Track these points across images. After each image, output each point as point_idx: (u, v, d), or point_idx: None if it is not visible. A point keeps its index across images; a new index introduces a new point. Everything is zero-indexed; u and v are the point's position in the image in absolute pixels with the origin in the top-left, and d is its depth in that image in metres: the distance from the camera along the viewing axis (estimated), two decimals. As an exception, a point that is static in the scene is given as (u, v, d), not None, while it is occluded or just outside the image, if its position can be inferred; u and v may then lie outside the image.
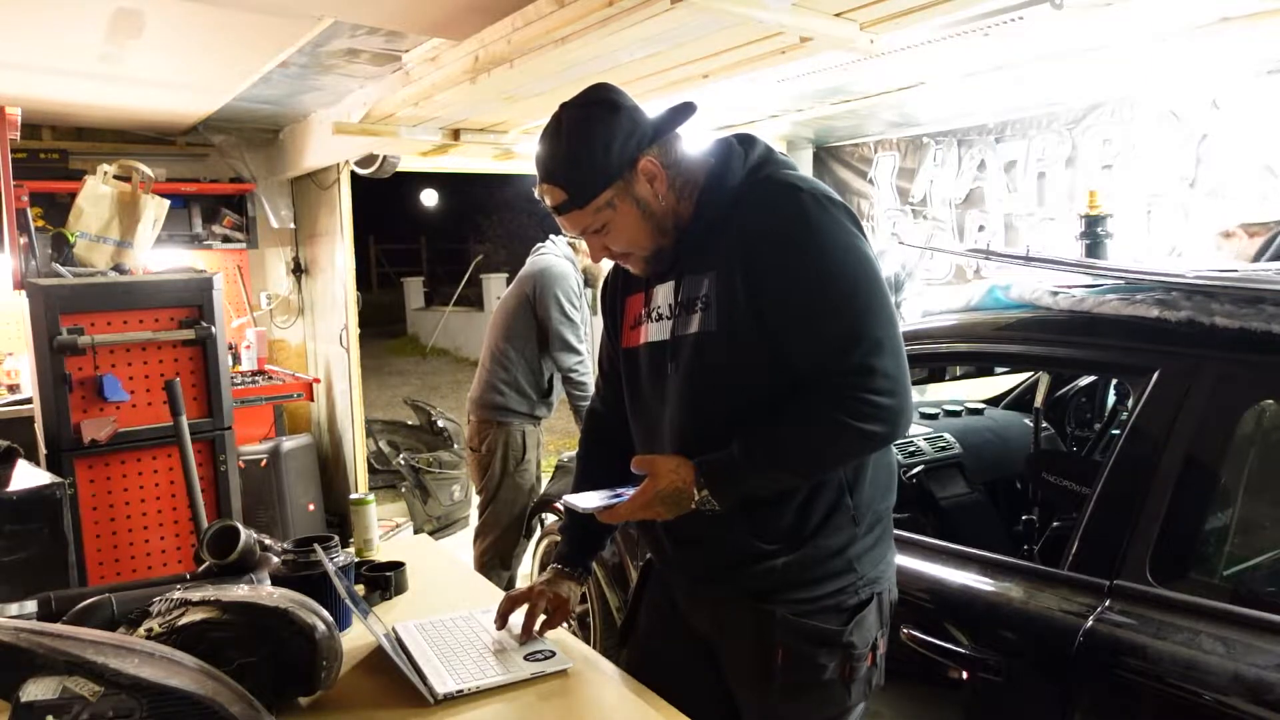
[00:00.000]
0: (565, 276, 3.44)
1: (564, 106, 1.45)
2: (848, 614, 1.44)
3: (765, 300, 1.39)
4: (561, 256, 3.53)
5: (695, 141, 1.51)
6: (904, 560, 1.96)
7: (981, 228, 4.25)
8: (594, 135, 1.41)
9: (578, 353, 3.40)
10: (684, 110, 1.47)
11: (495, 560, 3.58)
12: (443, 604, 1.75)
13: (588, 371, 3.41)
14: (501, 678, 1.44)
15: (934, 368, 3.12)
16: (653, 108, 1.53)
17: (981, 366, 3.23)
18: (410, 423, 6.26)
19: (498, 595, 1.85)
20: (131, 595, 1.47)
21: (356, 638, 1.61)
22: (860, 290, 1.36)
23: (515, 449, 3.50)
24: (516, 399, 3.48)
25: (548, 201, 1.46)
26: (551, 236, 3.61)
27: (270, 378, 4.83)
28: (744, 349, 1.41)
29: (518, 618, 1.62)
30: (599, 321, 3.24)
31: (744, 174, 1.46)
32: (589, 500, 1.51)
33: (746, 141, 1.51)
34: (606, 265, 3.70)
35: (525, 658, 1.50)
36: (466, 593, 1.87)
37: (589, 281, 3.58)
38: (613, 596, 2.85)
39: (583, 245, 3.51)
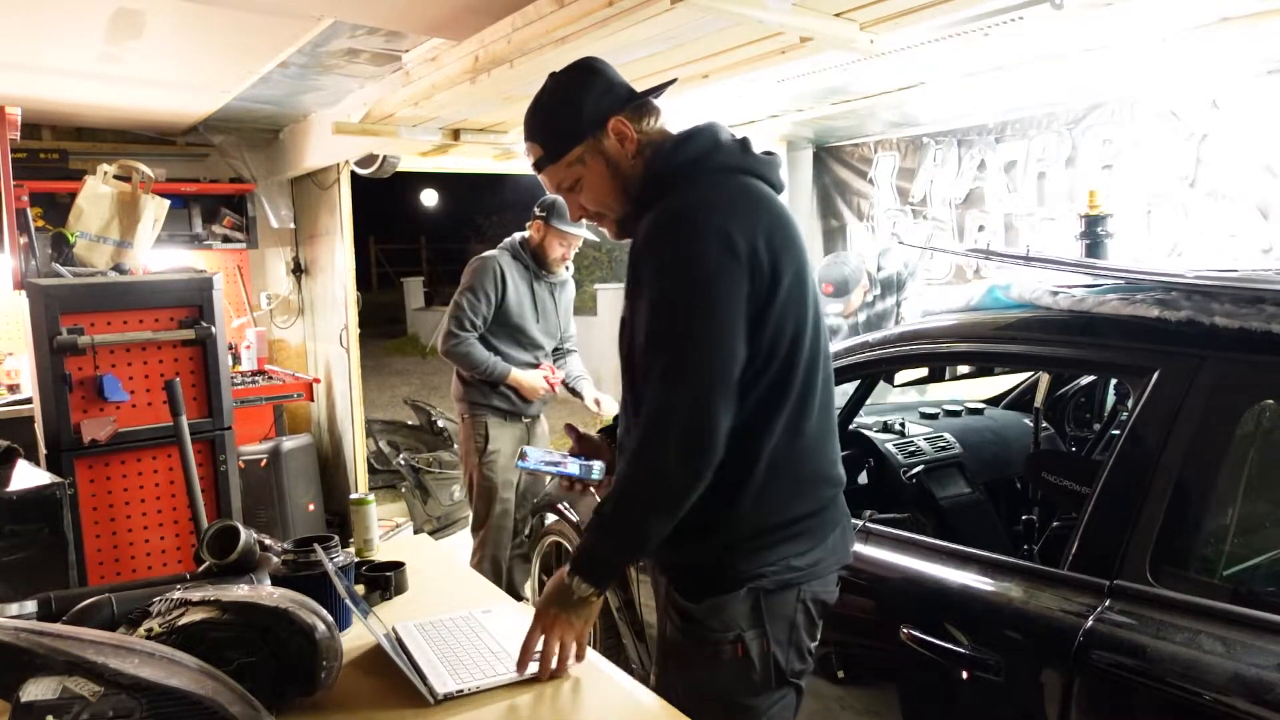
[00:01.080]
0: (481, 270, 3.49)
1: (550, 74, 1.57)
2: (701, 595, 1.50)
3: (631, 309, 1.48)
4: (505, 248, 3.59)
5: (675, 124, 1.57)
6: (904, 560, 1.97)
7: (981, 228, 4.25)
8: (569, 94, 1.53)
9: (452, 335, 3.47)
10: (663, 85, 1.60)
11: (487, 559, 3.61)
12: (443, 604, 1.75)
13: (463, 352, 3.46)
14: (501, 678, 1.44)
15: (934, 368, 3.12)
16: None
17: (981, 366, 3.23)
18: (410, 423, 6.26)
19: (498, 595, 1.86)
20: (131, 595, 1.46)
21: (356, 638, 1.61)
22: (686, 329, 1.39)
23: (479, 439, 3.56)
24: (473, 391, 3.56)
25: (529, 159, 1.58)
26: None
27: (270, 378, 4.83)
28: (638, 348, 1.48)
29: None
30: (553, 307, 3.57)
31: (669, 172, 1.50)
32: (543, 459, 1.68)
33: (690, 137, 1.52)
34: (561, 250, 3.74)
35: None
36: (466, 593, 1.87)
37: (547, 265, 3.57)
38: (612, 596, 2.84)
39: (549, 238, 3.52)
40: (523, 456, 1.69)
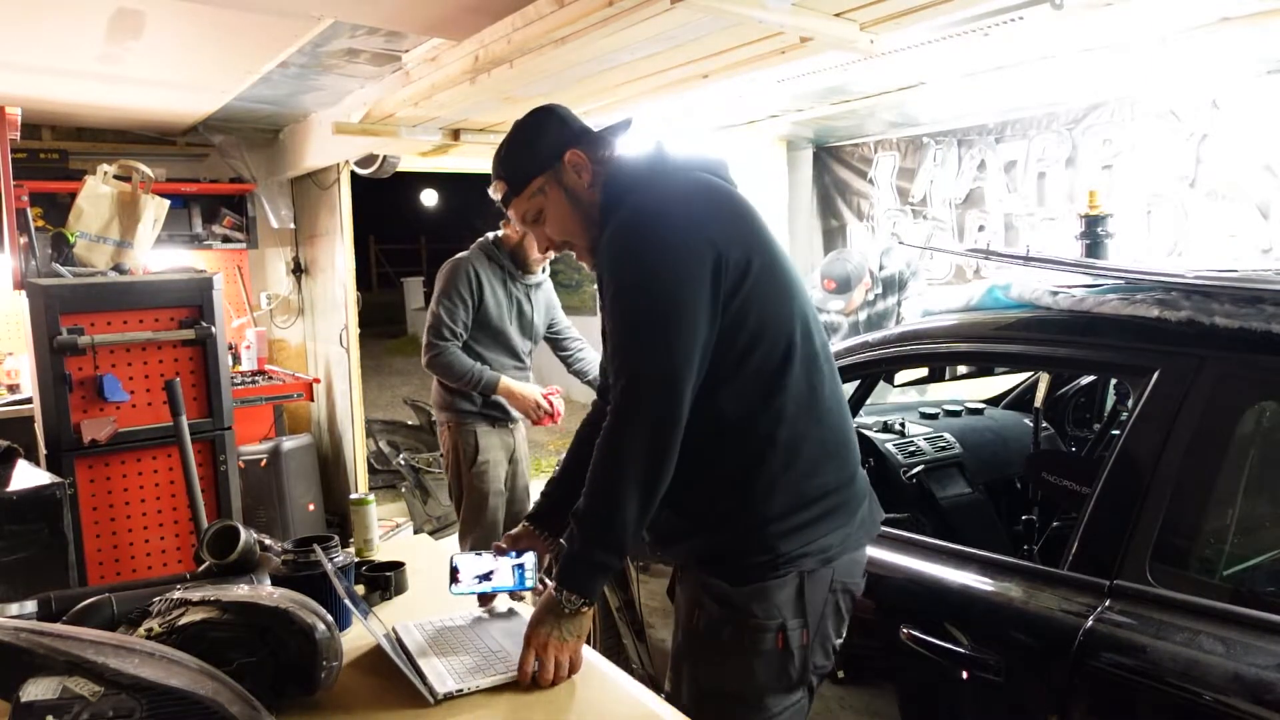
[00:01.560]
0: (455, 274, 3.32)
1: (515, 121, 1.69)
2: (746, 579, 1.50)
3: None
4: (479, 249, 3.41)
5: (634, 148, 1.66)
6: (904, 560, 1.97)
7: (981, 228, 4.25)
8: (527, 132, 1.65)
9: (431, 345, 3.27)
10: (621, 123, 1.68)
11: None
12: (442, 604, 1.75)
13: (445, 363, 3.27)
14: (501, 676, 1.44)
15: (934, 368, 3.12)
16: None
17: (981, 366, 3.23)
18: (410, 423, 6.27)
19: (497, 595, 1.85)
20: (131, 595, 1.47)
21: (356, 638, 1.60)
22: (642, 316, 1.44)
23: (467, 449, 3.38)
24: (462, 400, 3.37)
25: (497, 197, 1.69)
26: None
27: (270, 378, 4.84)
28: None
29: (504, 632, 1.63)
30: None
31: (620, 184, 1.58)
32: (475, 573, 1.65)
33: (637, 152, 1.62)
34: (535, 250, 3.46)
35: None
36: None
37: (526, 266, 3.41)
38: (612, 596, 2.84)
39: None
40: (454, 578, 1.65)
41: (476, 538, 3.47)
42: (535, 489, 3.60)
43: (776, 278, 1.53)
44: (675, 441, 1.43)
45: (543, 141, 1.63)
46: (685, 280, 1.43)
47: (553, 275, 3.64)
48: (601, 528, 1.45)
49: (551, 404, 3.39)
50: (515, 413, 3.46)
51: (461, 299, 3.30)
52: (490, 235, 3.47)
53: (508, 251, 3.41)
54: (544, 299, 3.58)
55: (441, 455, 3.54)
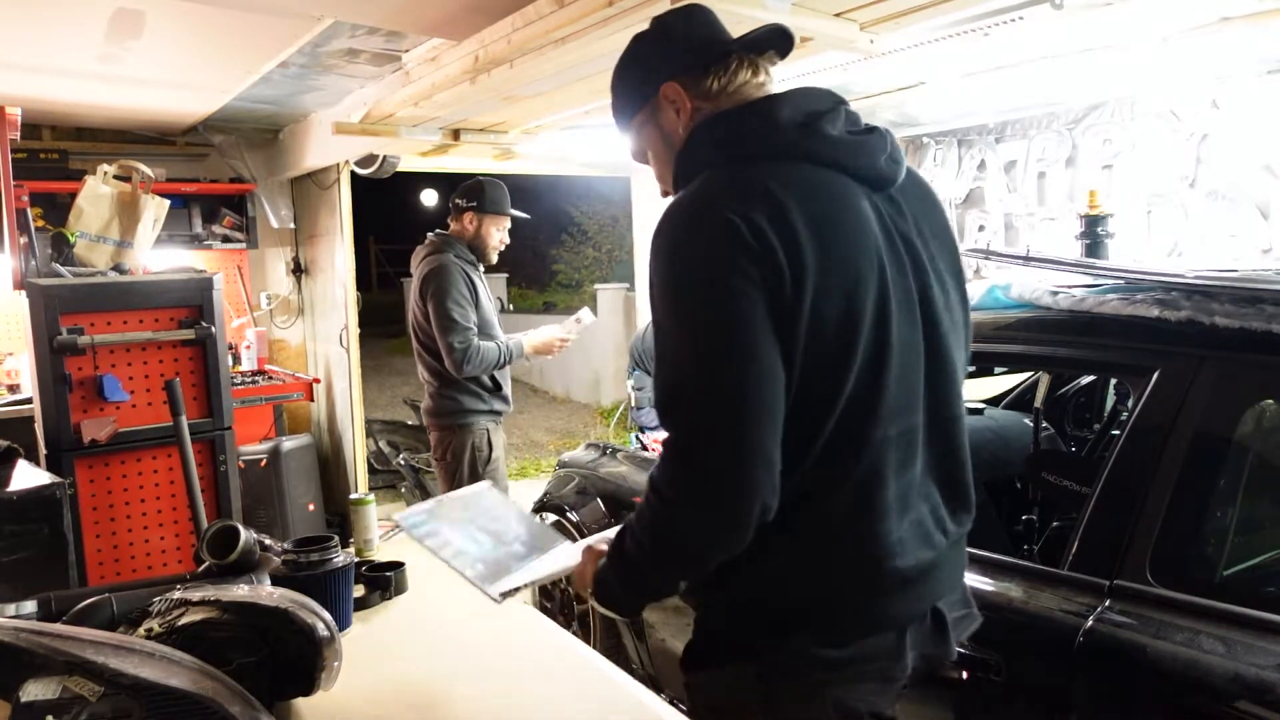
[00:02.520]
0: (451, 275, 3.25)
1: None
2: (694, 654, 1.27)
3: None
4: (447, 248, 3.34)
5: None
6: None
7: (981, 228, 4.25)
8: (636, 50, 1.36)
9: (461, 350, 3.18)
10: (763, 30, 1.31)
11: None
12: (443, 603, 1.75)
13: (481, 356, 3.21)
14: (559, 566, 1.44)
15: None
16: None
17: (981, 366, 3.22)
18: (410, 423, 6.27)
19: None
20: (131, 595, 1.46)
21: (356, 638, 1.61)
22: (694, 353, 1.10)
23: (482, 450, 3.35)
24: (473, 399, 3.34)
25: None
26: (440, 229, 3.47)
27: (270, 378, 4.84)
28: None
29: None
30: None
31: (702, 152, 1.24)
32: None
33: (739, 111, 1.24)
34: (499, 235, 3.40)
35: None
36: (467, 592, 1.87)
37: (485, 256, 3.40)
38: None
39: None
40: None
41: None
42: (518, 489, 3.61)
43: (850, 321, 1.12)
44: (736, 524, 1.08)
45: (640, 68, 1.32)
46: (738, 310, 1.07)
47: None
48: (629, 575, 1.23)
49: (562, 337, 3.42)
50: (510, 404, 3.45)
51: (466, 298, 3.27)
52: (437, 235, 3.42)
53: (466, 244, 3.38)
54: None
55: (439, 460, 3.44)
